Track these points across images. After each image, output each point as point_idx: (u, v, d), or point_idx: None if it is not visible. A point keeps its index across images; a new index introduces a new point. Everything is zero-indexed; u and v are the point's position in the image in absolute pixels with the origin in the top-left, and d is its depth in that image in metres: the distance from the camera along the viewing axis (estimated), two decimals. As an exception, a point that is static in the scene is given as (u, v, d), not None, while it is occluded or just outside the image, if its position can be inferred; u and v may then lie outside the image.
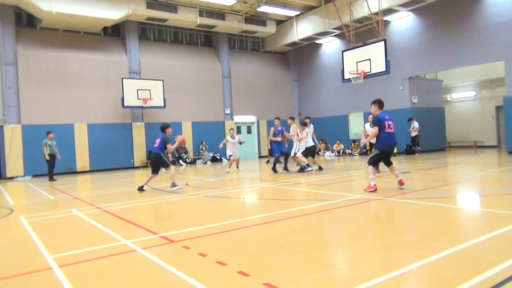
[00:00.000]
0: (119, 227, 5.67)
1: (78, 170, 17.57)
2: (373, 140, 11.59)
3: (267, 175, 12.34)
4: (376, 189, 7.42)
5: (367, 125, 10.99)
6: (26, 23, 17.54)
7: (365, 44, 15.95)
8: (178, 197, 8.64)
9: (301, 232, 4.91)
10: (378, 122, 7.66)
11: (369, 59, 15.47)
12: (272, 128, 13.30)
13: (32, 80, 16.78)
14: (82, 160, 17.74)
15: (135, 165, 19.05)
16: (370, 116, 10.68)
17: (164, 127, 9.90)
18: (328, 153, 21.31)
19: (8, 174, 16.10)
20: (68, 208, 7.60)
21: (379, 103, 8.17)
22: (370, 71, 15.48)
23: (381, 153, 7.70)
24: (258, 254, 4.06)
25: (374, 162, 7.76)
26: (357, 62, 15.91)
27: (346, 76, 16.53)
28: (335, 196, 7.46)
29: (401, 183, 7.73)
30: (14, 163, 16.25)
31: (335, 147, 21.13)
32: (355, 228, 5.03)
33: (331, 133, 21.81)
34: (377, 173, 11.04)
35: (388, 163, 7.94)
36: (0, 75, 16.16)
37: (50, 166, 14.03)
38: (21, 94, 16.53)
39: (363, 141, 9.16)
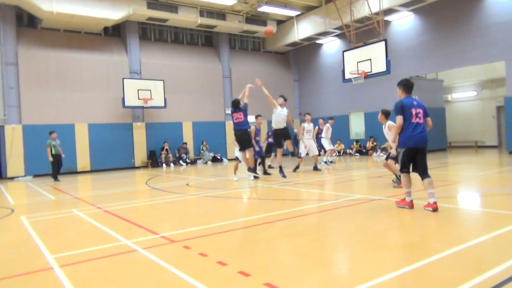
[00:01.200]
0: (119, 227, 5.68)
1: (78, 170, 17.58)
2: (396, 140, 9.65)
3: (267, 176, 12.33)
4: (411, 206, 5.73)
5: (390, 123, 8.35)
6: (27, 23, 17.56)
7: (365, 44, 15.95)
8: (178, 197, 8.65)
9: (302, 232, 4.91)
10: (402, 109, 5.67)
11: (370, 59, 15.47)
12: (253, 128, 11.78)
13: (33, 80, 16.80)
14: (83, 160, 17.76)
15: (136, 165, 19.06)
16: (380, 113, 8.84)
17: (237, 101, 9.67)
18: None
19: (9, 174, 16.12)
20: (69, 208, 7.61)
21: (403, 85, 6.09)
22: (371, 71, 15.48)
23: (405, 152, 5.67)
24: (258, 254, 4.07)
25: (402, 166, 5.75)
26: (357, 62, 15.91)
27: (347, 76, 16.53)
28: (335, 196, 7.46)
29: (433, 207, 5.49)
30: (15, 163, 16.26)
31: (335, 147, 21.10)
32: (355, 228, 5.03)
33: (331, 133, 21.75)
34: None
35: (423, 173, 5.63)
36: (1, 75, 16.18)
37: (55, 166, 14.00)
38: (22, 94, 16.55)
39: (393, 143, 6.49)
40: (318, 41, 22.60)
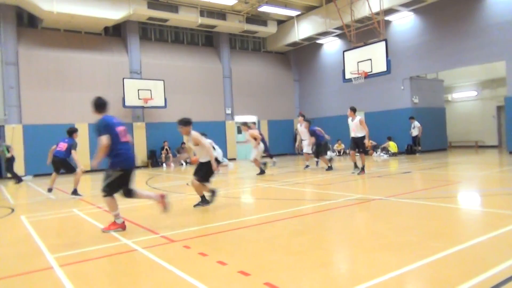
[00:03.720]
0: (119, 227, 5.67)
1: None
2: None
3: (267, 175, 12.34)
4: (124, 227, 5.36)
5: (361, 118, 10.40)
6: (27, 23, 17.56)
7: (366, 44, 15.93)
8: (178, 197, 8.65)
9: (301, 232, 4.91)
10: (108, 128, 5.22)
11: (370, 59, 15.45)
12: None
13: (33, 80, 16.80)
14: (83, 160, 17.65)
15: (136, 165, 19.04)
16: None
17: (72, 131, 9.50)
18: (329, 153, 21.30)
19: (10, 174, 16.10)
20: (69, 208, 7.62)
21: (96, 105, 5.48)
22: (371, 71, 15.47)
23: (123, 174, 5.27)
24: (258, 254, 4.07)
25: (112, 190, 5.30)
26: (358, 62, 15.89)
27: (347, 76, 16.51)
28: (335, 196, 7.46)
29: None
30: (16, 163, 16.23)
31: (336, 147, 21.12)
32: (355, 228, 5.04)
33: (332, 133, 21.66)
34: (361, 173, 10.92)
35: (129, 192, 5.43)
36: (2, 75, 16.18)
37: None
38: (22, 94, 16.55)
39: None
40: (318, 41, 22.59)
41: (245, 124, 12.72)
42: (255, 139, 12.28)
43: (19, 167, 16.30)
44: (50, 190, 9.57)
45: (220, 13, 19.91)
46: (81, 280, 3.54)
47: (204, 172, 7.12)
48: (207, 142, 7.12)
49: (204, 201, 7.11)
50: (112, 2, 17.14)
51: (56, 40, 17.72)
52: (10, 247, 4.88)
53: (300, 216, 5.83)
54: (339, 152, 20.95)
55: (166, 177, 14.11)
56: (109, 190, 5.27)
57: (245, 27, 20.68)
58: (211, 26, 20.40)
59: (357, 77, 15.95)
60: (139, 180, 13.30)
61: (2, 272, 3.89)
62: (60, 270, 3.80)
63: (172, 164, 18.74)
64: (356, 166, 11.33)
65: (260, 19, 21.29)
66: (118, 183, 5.28)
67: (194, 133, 7.03)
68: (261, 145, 12.62)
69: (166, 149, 19.34)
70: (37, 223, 6.28)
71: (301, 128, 13.76)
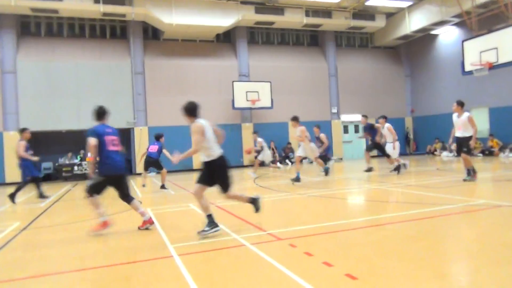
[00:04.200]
0: (230, 222, 6.01)
1: (194, 168, 19.06)
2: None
3: (375, 176, 11.83)
4: (106, 226, 5.71)
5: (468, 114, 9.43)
6: (151, 36, 19.69)
7: (491, 31, 14.22)
8: (284, 196, 8.80)
9: (414, 238, 4.61)
10: (94, 135, 5.59)
11: (496, 48, 13.76)
12: (22, 142, 9.60)
13: (156, 86, 18.80)
14: (196, 159, 19.14)
15: (244, 164, 19.92)
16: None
17: (159, 136, 11.41)
18: (445, 153, 19.53)
19: (138, 171, 18.21)
20: (186, 203, 8.32)
21: (94, 113, 5.92)
22: (497, 61, 13.75)
23: (105, 180, 5.68)
24: (366, 257, 3.93)
25: (96, 191, 5.69)
26: (480, 52, 14.28)
27: (467, 68, 14.96)
28: (454, 200, 6.81)
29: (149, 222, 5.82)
30: (142, 160, 18.32)
31: (454, 146, 19.24)
32: (476, 237, 4.54)
33: (449, 131, 19.93)
34: (474, 177, 9.43)
35: (126, 196, 5.87)
36: (132, 84, 18.43)
37: None
38: (148, 99, 18.63)
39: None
40: (433, 32, 20.84)
41: (295, 119, 11.52)
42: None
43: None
44: (162, 186, 11.13)
45: (326, 11, 19.70)
46: (195, 269, 3.85)
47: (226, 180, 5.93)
48: (208, 136, 6.01)
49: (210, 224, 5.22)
50: (223, 10, 18.23)
51: (175, 49, 19.53)
52: (138, 236, 5.53)
53: (413, 221, 5.47)
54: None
55: (273, 176, 14.48)
56: (90, 191, 5.68)
57: (351, 23, 20.12)
58: (317, 25, 20.30)
59: (480, 69, 14.33)
60: (247, 178, 13.86)
61: (130, 257, 4.44)
62: (178, 259, 4.18)
63: (278, 164, 19.17)
64: (469, 173, 9.38)
65: (368, 14, 20.48)
66: (99, 186, 5.70)
67: (194, 124, 5.97)
68: (312, 145, 12.35)
69: (273, 149, 19.82)
70: (159, 215, 7.00)
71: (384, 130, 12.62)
